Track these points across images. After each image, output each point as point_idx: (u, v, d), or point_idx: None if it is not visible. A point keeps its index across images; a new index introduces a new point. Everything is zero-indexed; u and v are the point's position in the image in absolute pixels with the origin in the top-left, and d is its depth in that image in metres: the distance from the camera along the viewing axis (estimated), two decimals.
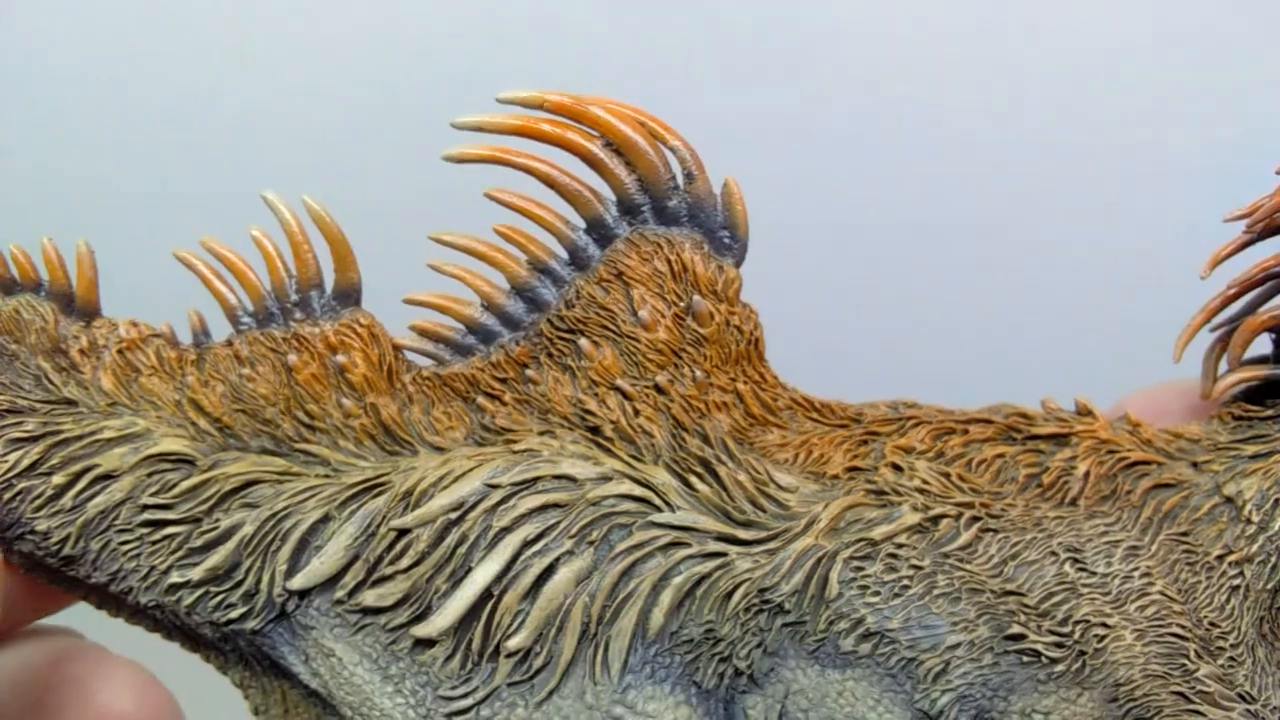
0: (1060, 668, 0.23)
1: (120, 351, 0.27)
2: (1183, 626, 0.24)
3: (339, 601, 0.24)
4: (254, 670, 0.27)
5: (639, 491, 0.24)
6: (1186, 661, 0.24)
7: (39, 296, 0.27)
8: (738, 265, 0.27)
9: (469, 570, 0.24)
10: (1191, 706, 0.23)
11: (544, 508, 0.24)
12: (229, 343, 0.27)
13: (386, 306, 0.27)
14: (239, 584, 0.25)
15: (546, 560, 0.24)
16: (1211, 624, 0.24)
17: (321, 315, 0.27)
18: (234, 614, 0.25)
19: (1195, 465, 0.26)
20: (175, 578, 0.25)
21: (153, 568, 0.26)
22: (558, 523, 0.24)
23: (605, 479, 0.25)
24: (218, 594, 0.25)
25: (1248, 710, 0.23)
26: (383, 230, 0.30)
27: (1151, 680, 0.23)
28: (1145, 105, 0.47)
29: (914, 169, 0.47)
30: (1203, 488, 0.25)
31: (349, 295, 0.27)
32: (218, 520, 0.25)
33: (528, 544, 0.24)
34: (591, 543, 0.24)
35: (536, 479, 0.24)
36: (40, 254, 0.27)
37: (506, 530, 0.24)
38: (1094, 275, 0.46)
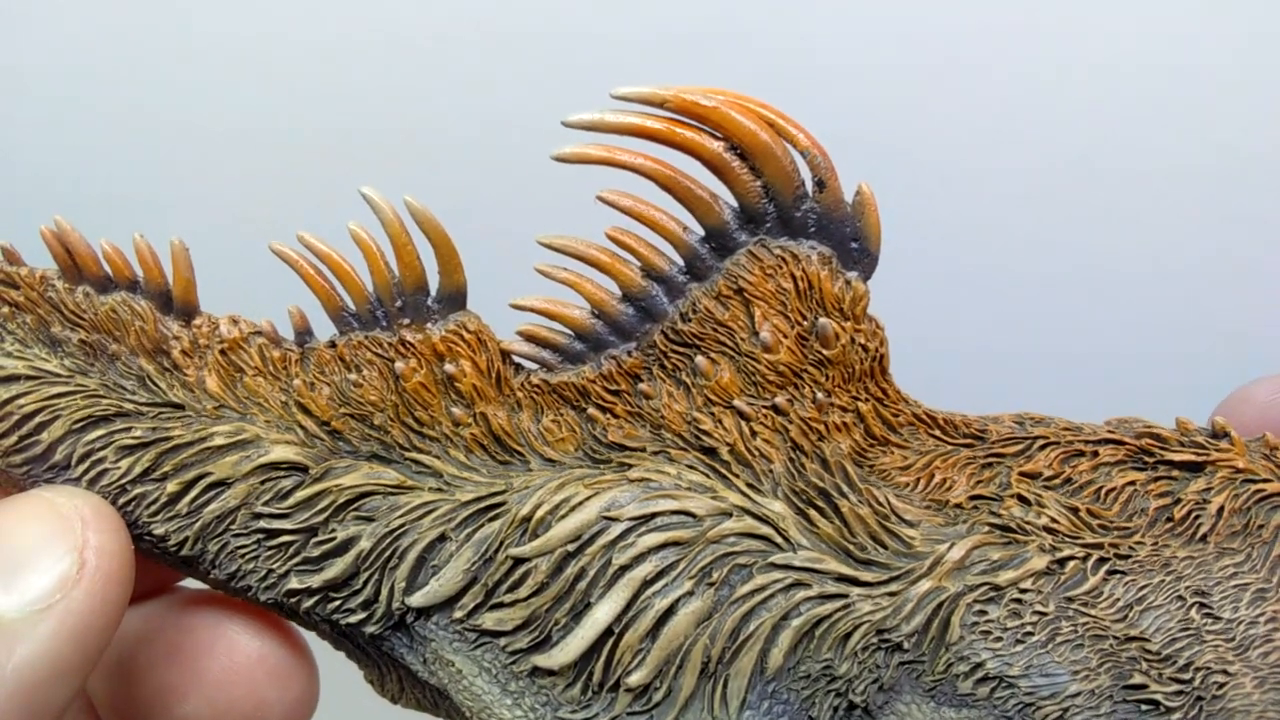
0: (1177, 715, 0.23)
1: (223, 352, 0.26)
2: None
3: (458, 620, 0.25)
4: (370, 656, 0.27)
5: (760, 530, 0.24)
6: None
7: (134, 295, 0.26)
8: (866, 279, 0.25)
9: (588, 605, 0.24)
10: None
11: (663, 545, 0.24)
12: (332, 344, 0.26)
13: (486, 309, 0.26)
14: (357, 592, 0.26)
15: (667, 601, 0.24)
16: None
17: (427, 319, 0.26)
18: (353, 619, 0.26)
19: None
20: (294, 583, 0.26)
21: (270, 570, 0.26)
22: (677, 561, 0.24)
23: (725, 515, 0.24)
24: (336, 599, 0.26)
25: None
26: (483, 232, 0.28)
27: None
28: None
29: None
30: None
31: (455, 299, 0.26)
32: (333, 531, 0.25)
33: (647, 583, 0.24)
34: (712, 584, 0.24)
35: (655, 514, 0.24)
36: (133, 250, 0.26)
37: (626, 568, 0.24)
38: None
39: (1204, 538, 0.25)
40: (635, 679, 0.23)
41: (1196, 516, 0.25)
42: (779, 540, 0.24)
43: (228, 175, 0.42)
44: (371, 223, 0.26)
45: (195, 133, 0.44)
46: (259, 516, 0.26)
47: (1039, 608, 0.24)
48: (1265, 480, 0.25)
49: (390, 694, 0.28)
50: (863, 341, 0.25)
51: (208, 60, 0.44)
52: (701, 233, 0.25)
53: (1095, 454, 0.25)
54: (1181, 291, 0.44)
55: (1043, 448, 0.25)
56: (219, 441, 0.26)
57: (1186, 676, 0.23)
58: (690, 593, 0.24)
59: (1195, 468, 0.25)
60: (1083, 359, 0.41)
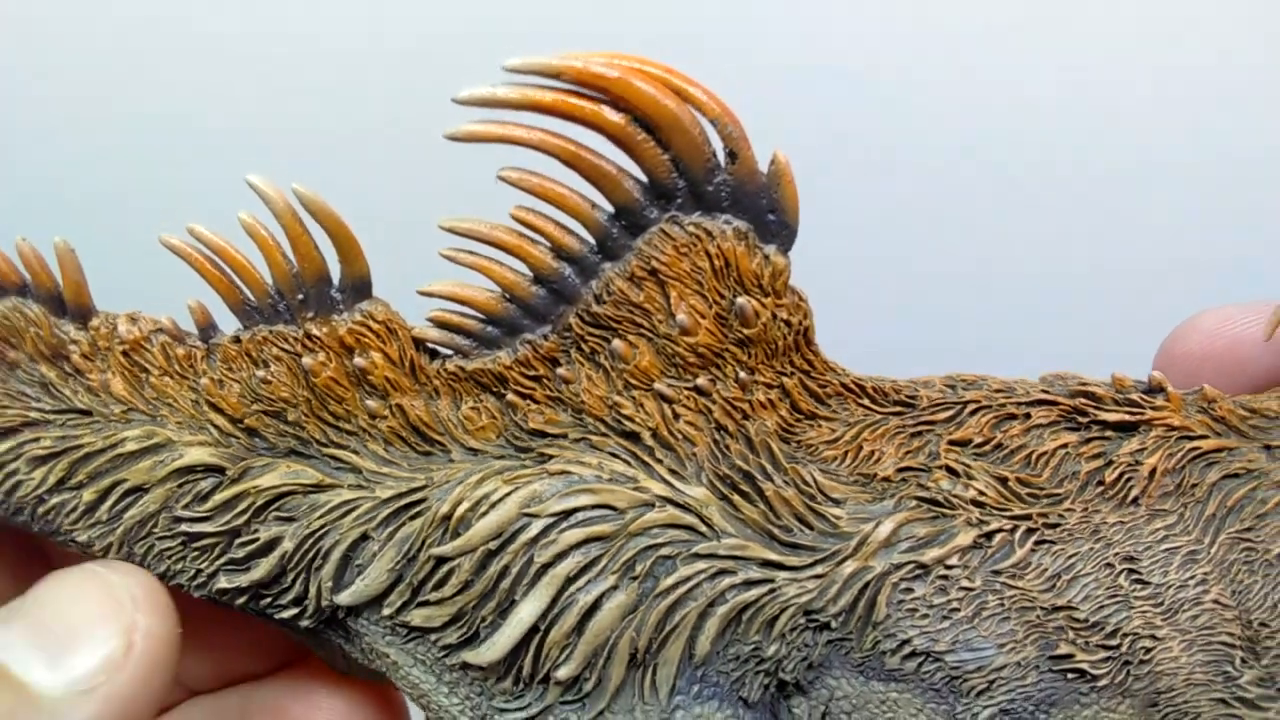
0: (1104, 681, 0.23)
1: (125, 353, 0.25)
2: (1231, 634, 0.24)
3: (387, 617, 0.25)
4: (312, 639, 0.27)
5: (684, 519, 0.24)
6: (1230, 669, 0.24)
7: (25, 300, 0.25)
8: (786, 251, 0.24)
9: (513, 603, 0.24)
10: (1230, 711, 0.24)
11: (585, 541, 0.23)
12: (237, 339, 0.25)
13: (397, 297, 0.25)
14: (287, 590, 0.25)
15: (590, 597, 0.23)
16: (1262, 624, 0.24)
17: (333, 310, 0.25)
18: (286, 615, 0.26)
19: (1269, 449, 0.25)
20: (223, 582, 0.25)
21: (199, 570, 0.26)
22: (600, 557, 0.23)
23: (648, 506, 0.24)
24: (267, 596, 0.26)
25: None
26: (380, 219, 0.27)
27: (1193, 688, 0.24)
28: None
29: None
30: (1272, 478, 0.24)
31: (359, 288, 0.25)
32: (256, 532, 0.25)
33: (570, 580, 0.23)
34: (636, 578, 0.23)
35: (575, 509, 0.24)
36: (16, 254, 0.25)
37: (548, 566, 0.23)
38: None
39: (1135, 500, 0.24)
40: (563, 672, 0.23)
41: (1128, 479, 0.24)
42: (703, 529, 0.24)
43: (115, 166, 0.40)
44: (262, 211, 0.24)
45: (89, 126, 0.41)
46: (180, 520, 0.25)
47: (965, 583, 0.23)
48: (1201, 437, 0.25)
49: (340, 668, 0.29)
50: (785, 316, 0.24)
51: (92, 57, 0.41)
52: (611, 210, 0.24)
53: (1027, 416, 0.25)
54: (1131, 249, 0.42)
55: (973, 413, 0.25)
56: (130, 447, 0.25)
57: (1114, 643, 0.23)
58: (614, 587, 0.23)
59: (1129, 428, 0.25)
60: (1026, 312, 0.40)
